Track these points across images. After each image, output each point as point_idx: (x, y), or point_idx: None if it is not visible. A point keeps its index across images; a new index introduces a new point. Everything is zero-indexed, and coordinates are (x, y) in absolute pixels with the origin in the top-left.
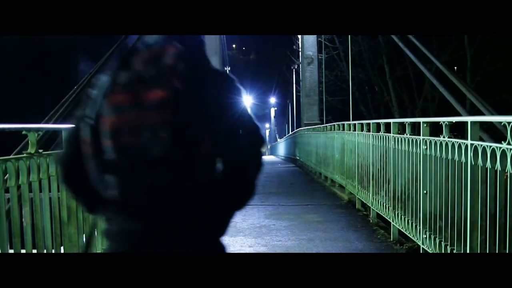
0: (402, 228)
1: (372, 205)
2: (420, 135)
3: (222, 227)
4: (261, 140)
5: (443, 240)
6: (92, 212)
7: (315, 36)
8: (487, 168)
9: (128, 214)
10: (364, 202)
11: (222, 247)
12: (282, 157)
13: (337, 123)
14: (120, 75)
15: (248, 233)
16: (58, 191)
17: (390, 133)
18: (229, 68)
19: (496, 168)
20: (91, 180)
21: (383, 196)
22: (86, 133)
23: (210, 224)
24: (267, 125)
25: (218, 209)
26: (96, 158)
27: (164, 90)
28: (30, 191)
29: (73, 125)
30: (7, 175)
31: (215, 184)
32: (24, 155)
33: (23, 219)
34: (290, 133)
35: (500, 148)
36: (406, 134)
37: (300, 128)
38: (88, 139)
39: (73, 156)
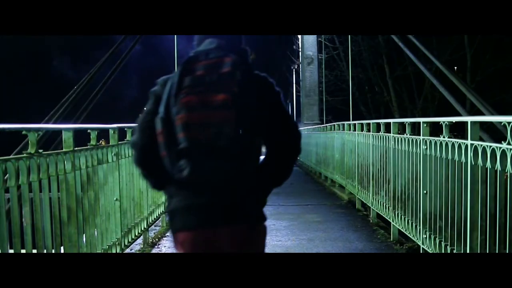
0: (402, 228)
1: (372, 205)
2: (420, 135)
3: (265, 200)
4: (298, 133)
5: (443, 240)
6: (158, 189)
7: (315, 36)
8: (487, 168)
9: (194, 192)
10: (364, 202)
11: (264, 216)
12: None
13: (337, 123)
14: (185, 79)
15: None
16: (58, 191)
17: (390, 133)
18: None
19: (496, 168)
20: (164, 163)
21: (383, 196)
22: (159, 126)
23: (257, 198)
24: None
25: (262, 187)
26: (169, 146)
27: (226, 94)
28: (30, 191)
29: (144, 117)
30: (7, 175)
31: (260, 167)
32: (24, 155)
33: (23, 219)
34: None
35: (500, 148)
36: (406, 134)
37: (300, 128)
38: (161, 131)
39: (147, 143)
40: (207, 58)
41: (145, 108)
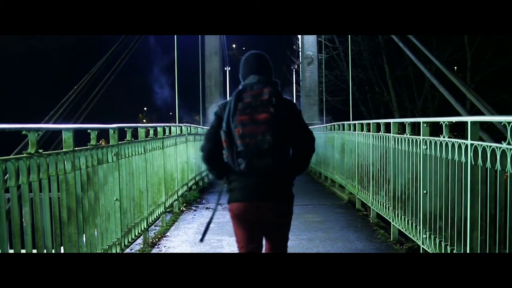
0: (402, 228)
1: (372, 205)
2: (420, 135)
3: (292, 183)
4: (313, 137)
5: (443, 240)
6: (218, 179)
7: (315, 36)
8: (487, 168)
9: (246, 178)
10: (364, 202)
11: (292, 194)
12: None
13: (337, 123)
14: (238, 104)
15: None
16: (58, 191)
17: (390, 133)
18: (229, 68)
19: (496, 168)
20: (226, 160)
21: (383, 196)
22: (223, 136)
23: (287, 182)
24: None
25: (291, 175)
26: (231, 149)
27: (266, 114)
28: (30, 191)
29: (210, 130)
30: (7, 175)
31: (290, 161)
32: (24, 155)
33: (23, 219)
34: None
35: (500, 148)
36: (406, 134)
37: None
38: (225, 139)
39: (212, 148)
40: (252, 89)
41: (210, 124)
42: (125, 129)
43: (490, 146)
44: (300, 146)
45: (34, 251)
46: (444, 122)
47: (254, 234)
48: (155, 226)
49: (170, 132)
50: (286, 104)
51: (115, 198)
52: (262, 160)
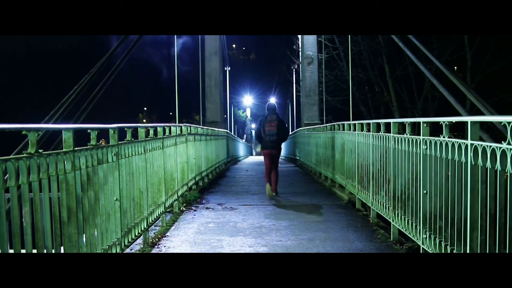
0: (402, 228)
1: (372, 205)
2: (420, 135)
3: (281, 145)
4: (288, 131)
5: (443, 240)
6: (260, 143)
7: (315, 36)
8: (487, 168)
9: (267, 141)
10: (364, 202)
11: (281, 148)
12: (282, 157)
13: (337, 123)
14: (266, 120)
15: (248, 233)
16: (58, 191)
17: (390, 133)
18: (229, 68)
19: (496, 168)
20: (262, 136)
21: (383, 196)
22: (262, 129)
23: (280, 144)
24: None
25: (280, 141)
26: (264, 133)
27: (275, 123)
28: (30, 191)
29: (257, 128)
30: (7, 175)
31: (280, 138)
32: (24, 155)
33: (23, 219)
34: (290, 133)
35: (500, 148)
36: (406, 134)
37: (300, 128)
38: (262, 130)
39: (259, 133)
40: (270, 115)
41: (257, 125)
42: (125, 129)
43: (490, 146)
44: (284, 135)
45: (34, 251)
46: (444, 122)
47: (269, 160)
48: (155, 226)
49: (170, 132)
50: (281, 121)
51: (115, 198)
52: (272, 137)
